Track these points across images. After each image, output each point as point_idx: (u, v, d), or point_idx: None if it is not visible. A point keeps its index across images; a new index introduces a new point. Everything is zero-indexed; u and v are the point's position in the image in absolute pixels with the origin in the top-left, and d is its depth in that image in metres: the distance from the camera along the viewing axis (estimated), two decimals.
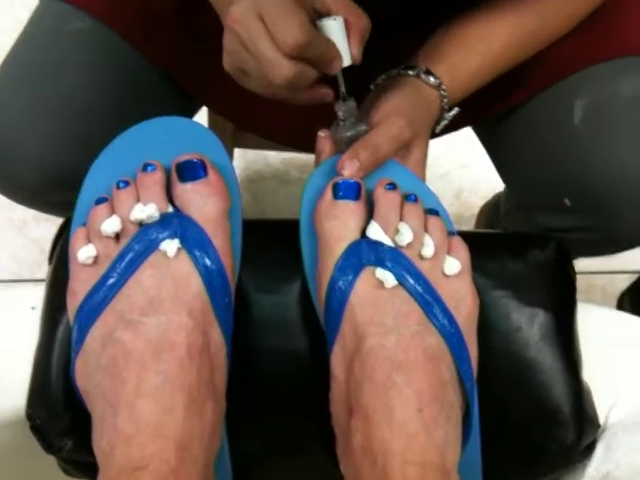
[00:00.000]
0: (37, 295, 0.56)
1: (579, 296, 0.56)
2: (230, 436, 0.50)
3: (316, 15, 0.50)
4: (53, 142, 0.61)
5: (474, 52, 0.59)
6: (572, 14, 0.62)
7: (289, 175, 1.35)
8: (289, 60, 0.47)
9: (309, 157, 1.24)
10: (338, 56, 0.50)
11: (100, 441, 0.43)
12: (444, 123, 0.59)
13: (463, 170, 1.34)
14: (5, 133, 0.61)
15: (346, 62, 0.50)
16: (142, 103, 0.66)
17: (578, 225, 0.66)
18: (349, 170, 0.50)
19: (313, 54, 0.48)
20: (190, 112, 0.76)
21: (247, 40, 0.47)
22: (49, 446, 0.51)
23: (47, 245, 0.56)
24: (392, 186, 0.50)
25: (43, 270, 0.55)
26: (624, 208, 0.62)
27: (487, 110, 0.71)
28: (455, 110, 0.59)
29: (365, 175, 0.51)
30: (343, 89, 0.52)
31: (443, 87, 0.57)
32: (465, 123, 0.77)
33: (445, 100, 0.57)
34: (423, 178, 0.56)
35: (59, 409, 0.50)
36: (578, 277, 0.58)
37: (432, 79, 0.57)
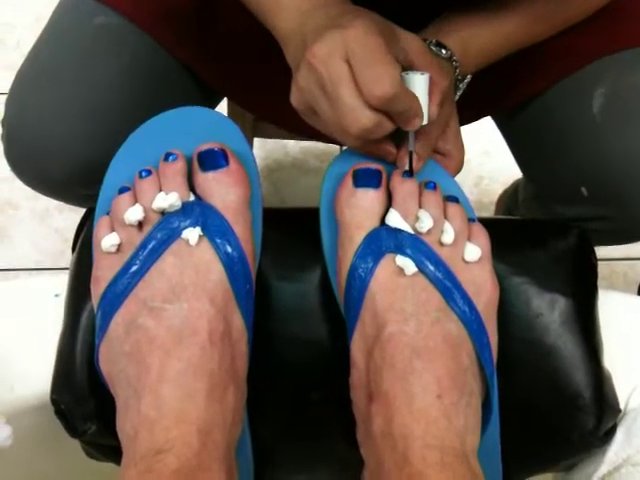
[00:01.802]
0: (60, 283, 0.56)
1: (600, 283, 0.56)
2: (251, 422, 0.51)
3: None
4: (80, 138, 0.62)
5: (485, 29, 0.58)
6: (587, 2, 0.61)
7: (308, 164, 1.36)
8: (370, 110, 0.45)
9: (328, 146, 1.25)
10: (421, 114, 0.47)
11: (124, 425, 0.44)
12: (459, 93, 0.58)
13: (483, 158, 1.33)
14: (32, 129, 0.62)
15: (424, 120, 0.48)
16: (166, 97, 0.67)
17: (595, 214, 0.65)
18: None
19: (397, 109, 0.46)
20: (212, 103, 0.77)
21: (327, 81, 0.45)
22: (73, 430, 0.52)
23: (70, 235, 0.57)
24: (408, 174, 0.50)
25: (66, 259, 0.56)
26: None
27: (506, 100, 0.71)
28: (468, 78, 0.58)
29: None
30: (412, 147, 0.50)
31: (454, 58, 0.56)
32: (485, 113, 0.76)
33: (457, 71, 0.57)
34: (462, 148, 0.55)
35: (83, 394, 0.51)
36: (600, 264, 0.57)
37: (444, 51, 0.56)
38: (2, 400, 0.54)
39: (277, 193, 1.33)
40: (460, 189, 0.53)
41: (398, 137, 0.51)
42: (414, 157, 0.51)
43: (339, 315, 0.51)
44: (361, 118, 0.45)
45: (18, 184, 0.68)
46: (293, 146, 1.37)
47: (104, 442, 0.53)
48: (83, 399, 0.51)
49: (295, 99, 0.49)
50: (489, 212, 1.29)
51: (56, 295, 0.57)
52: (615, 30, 0.65)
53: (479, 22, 0.58)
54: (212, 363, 0.44)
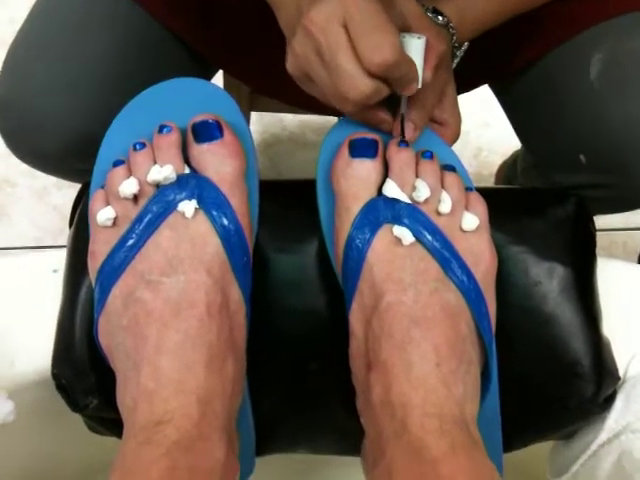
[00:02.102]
0: (59, 259, 0.56)
1: (600, 253, 0.56)
2: (251, 393, 0.51)
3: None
4: (74, 112, 0.61)
5: None
6: None
7: (306, 138, 1.35)
8: (369, 77, 0.44)
9: (325, 119, 1.25)
10: (417, 79, 0.47)
11: (124, 398, 0.44)
12: (456, 61, 0.57)
13: (482, 129, 1.33)
14: (26, 103, 0.62)
15: (419, 84, 0.48)
16: (160, 68, 0.66)
17: (594, 182, 0.65)
18: (407, 135, 0.50)
19: (396, 75, 0.45)
20: (207, 76, 0.76)
21: (325, 48, 0.44)
22: (75, 404, 0.52)
23: (68, 212, 0.57)
24: (405, 144, 0.50)
25: (64, 237, 0.56)
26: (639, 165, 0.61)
27: (504, 67, 0.70)
28: (465, 45, 0.57)
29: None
30: (404, 110, 0.50)
31: (451, 25, 0.55)
32: (483, 80, 0.76)
33: (454, 38, 0.56)
34: (459, 117, 0.55)
35: (84, 368, 0.51)
36: (599, 234, 0.57)
37: (440, 18, 0.55)
38: (3, 375, 0.54)
39: (274, 167, 1.32)
40: (457, 158, 0.53)
41: (393, 104, 0.51)
42: (410, 125, 0.50)
43: (337, 286, 0.51)
44: (359, 85, 0.45)
45: (14, 161, 0.67)
46: (290, 120, 1.36)
47: (106, 415, 0.53)
48: (84, 373, 0.52)
49: (290, 65, 0.48)
50: (489, 184, 1.29)
51: (54, 271, 0.57)
52: None
53: None
54: (210, 335, 0.44)
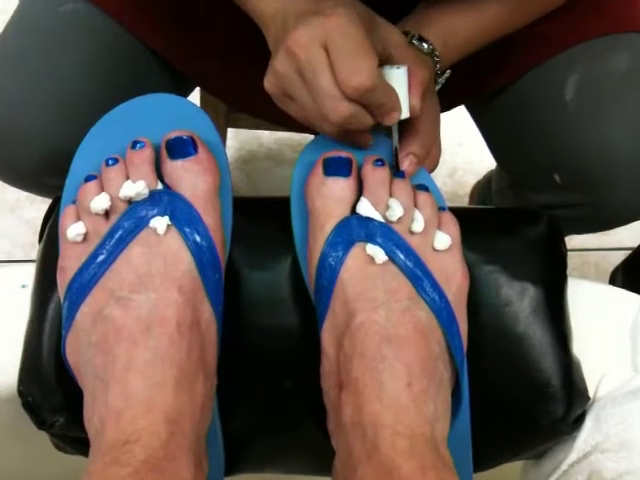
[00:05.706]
0: (28, 274, 0.56)
1: (572, 273, 0.56)
2: (221, 412, 0.51)
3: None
4: (48, 127, 0.61)
5: (465, 18, 0.57)
6: None
7: (283, 155, 1.35)
8: (347, 100, 0.45)
9: (303, 137, 1.25)
10: (398, 108, 0.48)
11: (91, 417, 0.43)
12: (438, 87, 0.58)
13: (457, 149, 1.34)
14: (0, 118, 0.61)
15: (404, 114, 0.48)
16: (135, 85, 0.66)
17: (569, 202, 0.66)
18: (411, 168, 0.51)
19: (374, 101, 0.46)
20: (184, 93, 0.76)
21: (307, 68, 0.45)
22: (41, 422, 0.51)
23: None
24: (381, 162, 0.50)
25: (36, 251, 0.56)
26: (614, 185, 0.62)
27: (480, 87, 0.71)
28: (447, 73, 0.58)
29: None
30: (396, 143, 0.51)
31: (436, 53, 0.56)
32: (459, 101, 0.77)
33: (438, 65, 0.56)
34: (439, 145, 0.56)
35: (51, 386, 0.51)
36: (572, 254, 0.58)
37: (425, 45, 0.56)
38: None
39: (251, 184, 1.32)
40: (430, 178, 0.53)
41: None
42: (413, 159, 0.51)
43: (310, 304, 0.51)
44: (338, 107, 0.45)
45: None
46: (267, 137, 1.36)
47: (72, 434, 0.52)
48: (51, 391, 0.51)
49: (270, 83, 0.49)
50: (464, 203, 1.29)
51: (23, 286, 0.56)
52: (588, 18, 0.65)
53: (458, 12, 0.58)
54: (180, 353, 0.44)
